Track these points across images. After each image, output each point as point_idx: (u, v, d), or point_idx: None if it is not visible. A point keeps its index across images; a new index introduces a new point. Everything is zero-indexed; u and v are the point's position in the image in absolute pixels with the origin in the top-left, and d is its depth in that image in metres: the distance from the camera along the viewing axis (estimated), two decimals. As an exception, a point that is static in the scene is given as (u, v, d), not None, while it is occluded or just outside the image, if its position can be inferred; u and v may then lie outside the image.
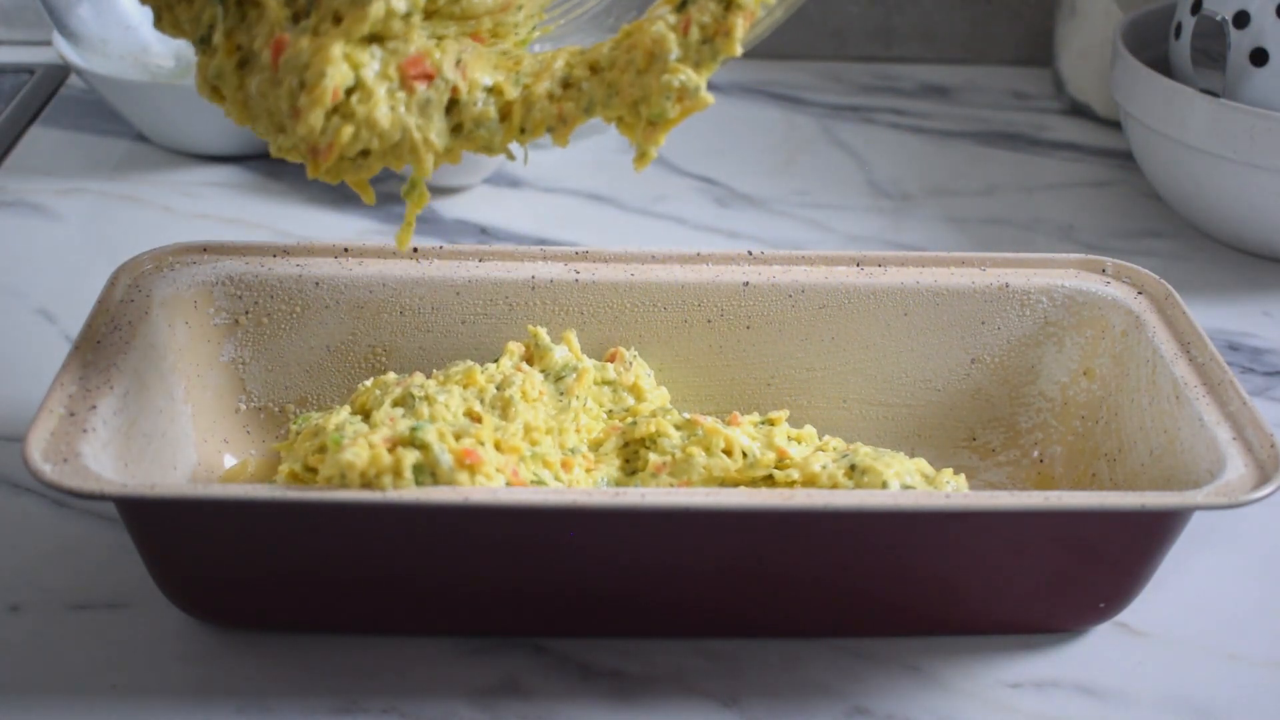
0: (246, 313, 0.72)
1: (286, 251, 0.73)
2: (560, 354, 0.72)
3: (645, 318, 0.74)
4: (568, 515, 0.59)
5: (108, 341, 0.65)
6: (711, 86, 1.20)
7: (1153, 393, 0.68)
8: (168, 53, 1.09)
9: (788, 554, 0.61)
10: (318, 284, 0.72)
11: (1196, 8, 0.93)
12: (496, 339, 0.73)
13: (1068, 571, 0.63)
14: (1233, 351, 0.87)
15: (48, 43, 1.10)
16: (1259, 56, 0.90)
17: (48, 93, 1.13)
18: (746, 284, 0.74)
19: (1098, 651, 0.65)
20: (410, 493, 0.58)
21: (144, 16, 1.08)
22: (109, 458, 0.61)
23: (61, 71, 1.16)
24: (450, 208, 1.00)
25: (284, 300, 0.72)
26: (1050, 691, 0.63)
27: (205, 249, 0.72)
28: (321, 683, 0.62)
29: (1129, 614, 0.66)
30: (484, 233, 0.97)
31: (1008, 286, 0.74)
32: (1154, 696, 0.63)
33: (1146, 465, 0.67)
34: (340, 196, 1.01)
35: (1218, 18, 0.91)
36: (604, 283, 0.73)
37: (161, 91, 1.01)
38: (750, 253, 0.74)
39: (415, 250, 0.73)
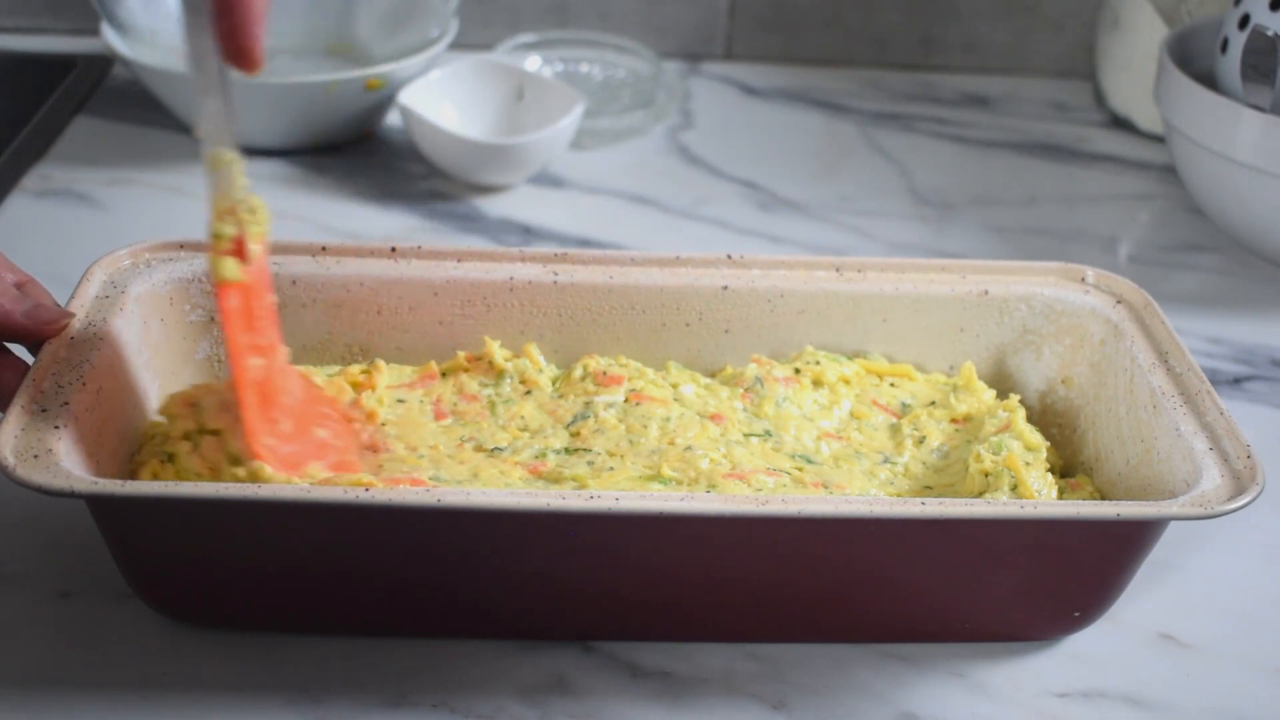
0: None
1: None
2: (514, 367, 0.72)
3: (623, 321, 0.73)
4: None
5: (82, 337, 0.64)
6: (752, 91, 1.20)
7: (1130, 402, 0.68)
8: (214, 45, 1.09)
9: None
10: (294, 282, 0.72)
11: (1244, 23, 0.93)
12: (474, 340, 0.73)
13: (1042, 580, 0.62)
14: (1276, 367, 0.87)
15: (93, 33, 1.10)
16: (1309, 73, 0.90)
17: (92, 83, 1.13)
18: (725, 288, 0.73)
19: (1146, 663, 0.65)
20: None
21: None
22: (81, 454, 0.59)
23: (105, 62, 1.16)
24: (493, 206, 1.00)
25: None
26: (1098, 702, 0.63)
27: (183, 245, 0.71)
28: (369, 679, 0.62)
29: (1178, 626, 0.66)
30: (527, 232, 0.97)
31: (987, 294, 0.74)
32: (1202, 710, 0.63)
33: (1124, 474, 0.67)
34: (385, 193, 1.01)
35: (1269, 33, 0.91)
36: (582, 285, 0.73)
37: (208, 84, 1.01)
38: (730, 256, 0.74)
39: (394, 250, 0.73)
